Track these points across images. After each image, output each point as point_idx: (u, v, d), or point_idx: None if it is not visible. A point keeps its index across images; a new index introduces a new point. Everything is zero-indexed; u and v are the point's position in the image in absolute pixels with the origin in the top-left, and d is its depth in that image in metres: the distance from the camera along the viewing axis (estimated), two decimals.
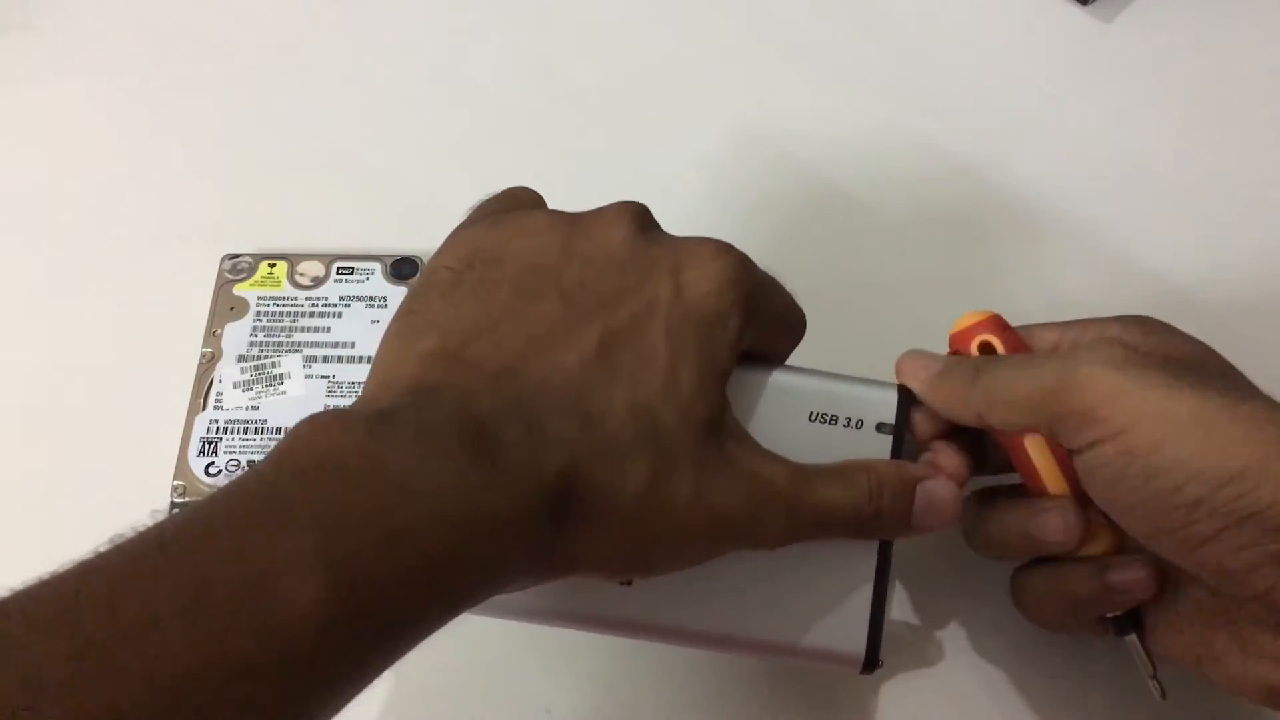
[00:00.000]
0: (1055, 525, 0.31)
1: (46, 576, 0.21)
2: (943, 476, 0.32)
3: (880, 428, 0.32)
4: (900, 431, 0.32)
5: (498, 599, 0.29)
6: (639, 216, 0.31)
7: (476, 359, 0.27)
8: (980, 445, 0.34)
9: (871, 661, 0.31)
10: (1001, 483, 0.35)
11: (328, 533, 0.22)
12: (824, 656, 0.31)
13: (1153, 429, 0.28)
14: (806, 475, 0.30)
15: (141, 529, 0.22)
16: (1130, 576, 0.31)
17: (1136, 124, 0.50)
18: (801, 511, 0.29)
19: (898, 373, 0.34)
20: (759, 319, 0.30)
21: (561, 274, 0.29)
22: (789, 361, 0.34)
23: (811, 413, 0.32)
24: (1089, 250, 0.46)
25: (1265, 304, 0.45)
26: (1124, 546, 0.32)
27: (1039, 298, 0.45)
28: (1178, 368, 0.29)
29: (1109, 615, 0.32)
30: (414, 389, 0.27)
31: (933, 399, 0.33)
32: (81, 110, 0.52)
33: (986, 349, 0.33)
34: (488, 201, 0.32)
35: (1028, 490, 0.33)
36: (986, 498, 0.34)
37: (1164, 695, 0.32)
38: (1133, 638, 0.32)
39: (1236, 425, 0.27)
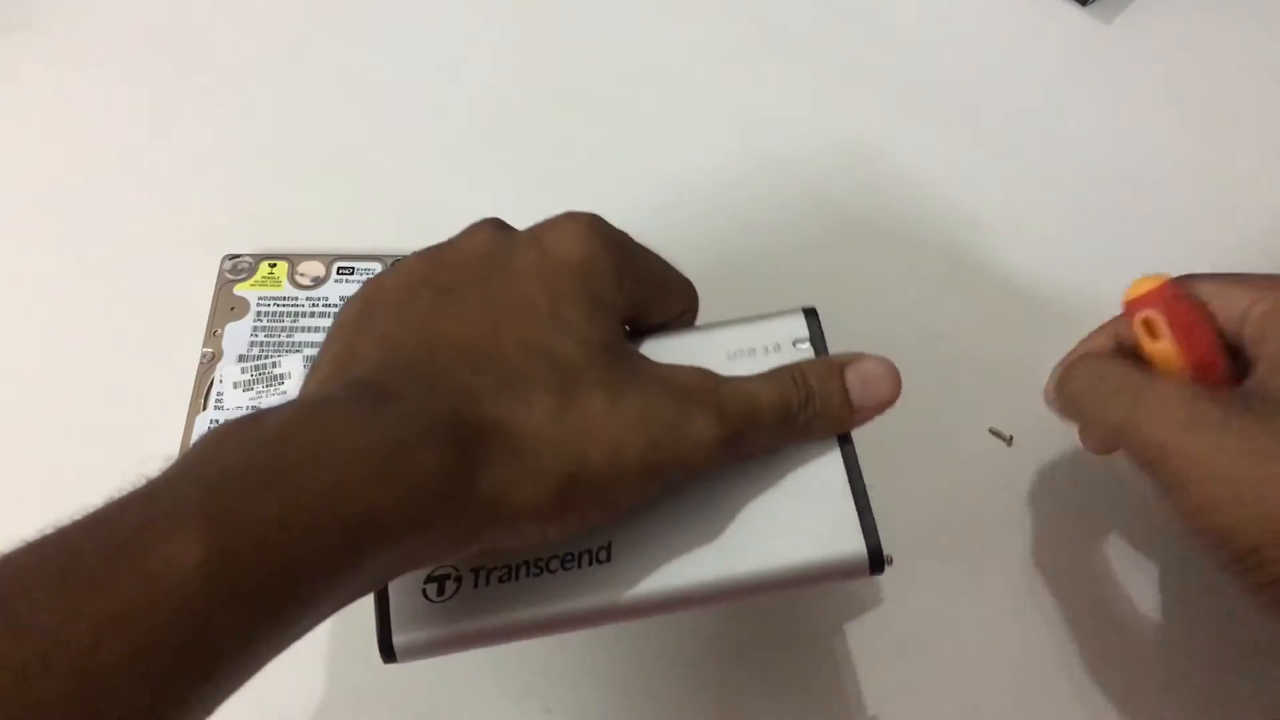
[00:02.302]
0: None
1: None
2: (869, 356, 0.31)
3: (797, 343, 0.32)
4: (817, 340, 0.32)
5: (490, 615, 0.29)
6: (495, 222, 0.32)
7: (364, 355, 0.28)
8: None
9: (877, 560, 0.30)
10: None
11: (202, 488, 0.22)
12: (829, 571, 0.30)
13: (1203, 494, 0.28)
14: (724, 376, 0.30)
15: None
16: None
17: (1136, 124, 0.50)
18: (726, 404, 0.29)
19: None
20: (635, 270, 0.31)
21: (434, 279, 0.30)
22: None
23: (729, 352, 0.32)
24: (1087, 250, 0.47)
25: None
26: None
27: (1036, 300, 0.45)
28: (1245, 420, 0.28)
29: None
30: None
31: (1057, 403, 0.34)
32: (81, 110, 0.52)
33: (1149, 329, 0.32)
34: None
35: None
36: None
37: None
38: None
39: None
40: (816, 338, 0.33)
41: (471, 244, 0.31)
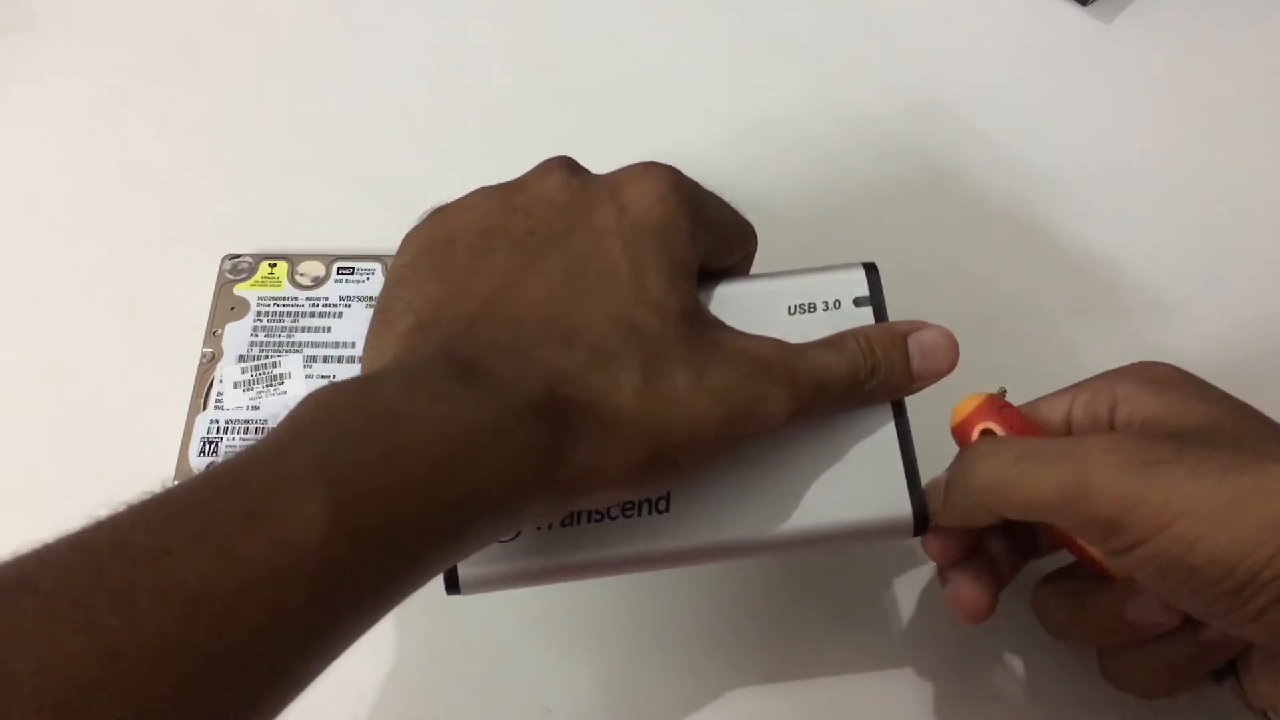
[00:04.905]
0: (1154, 608, 0.30)
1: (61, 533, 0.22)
2: (931, 325, 0.32)
3: (858, 302, 0.33)
4: (877, 300, 0.33)
5: (551, 555, 0.30)
6: (567, 163, 0.32)
7: (451, 317, 0.28)
8: (1029, 531, 0.33)
9: (922, 523, 0.31)
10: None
11: (323, 459, 0.23)
12: (873, 530, 0.31)
13: (1183, 530, 0.26)
14: (797, 347, 0.31)
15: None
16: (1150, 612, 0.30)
17: (1136, 125, 0.50)
18: (800, 378, 0.30)
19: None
20: (707, 221, 0.31)
21: (509, 229, 0.30)
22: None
23: (789, 306, 0.33)
24: (1086, 252, 0.47)
25: (1264, 305, 0.45)
26: None
27: (1035, 301, 0.45)
28: (1197, 449, 0.27)
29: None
30: (400, 356, 0.28)
31: (946, 516, 0.31)
32: (82, 110, 0.52)
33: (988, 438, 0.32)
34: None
35: (1089, 570, 0.32)
36: (1061, 587, 0.33)
37: None
38: (1232, 681, 0.31)
39: (1266, 504, 0.26)
40: (876, 295, 0.33)
41: (546, 189, 0.31)
